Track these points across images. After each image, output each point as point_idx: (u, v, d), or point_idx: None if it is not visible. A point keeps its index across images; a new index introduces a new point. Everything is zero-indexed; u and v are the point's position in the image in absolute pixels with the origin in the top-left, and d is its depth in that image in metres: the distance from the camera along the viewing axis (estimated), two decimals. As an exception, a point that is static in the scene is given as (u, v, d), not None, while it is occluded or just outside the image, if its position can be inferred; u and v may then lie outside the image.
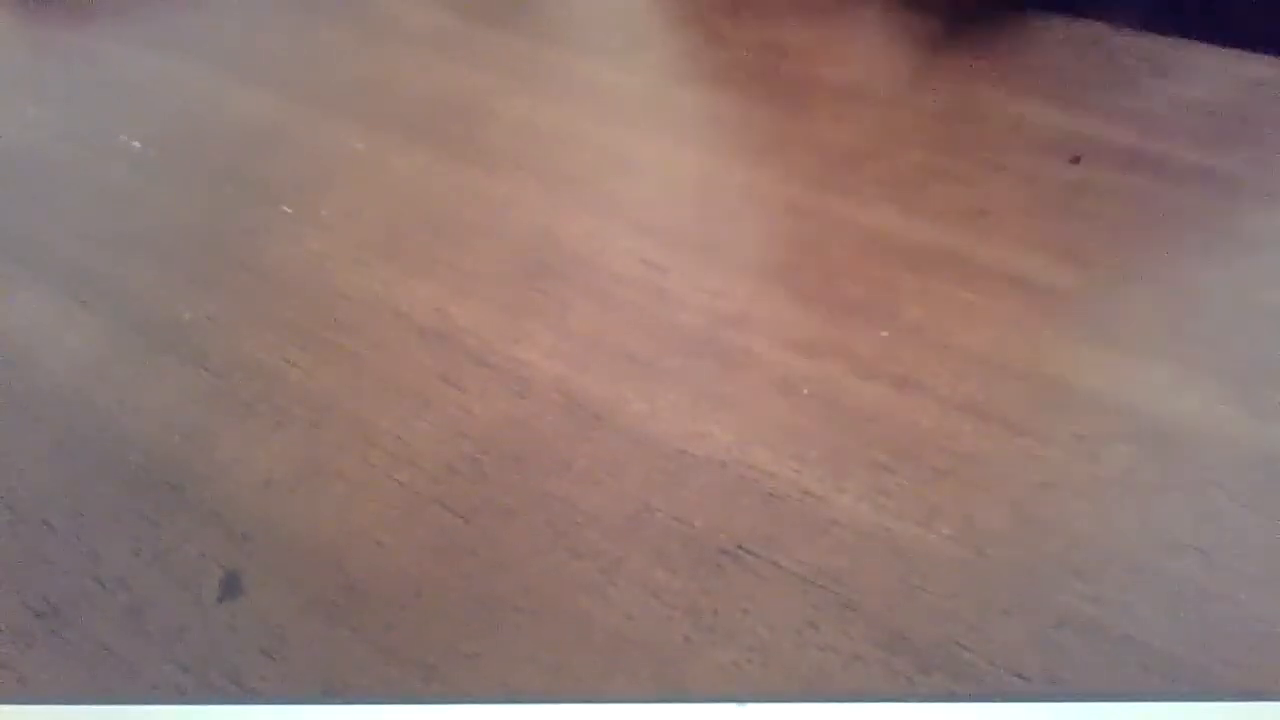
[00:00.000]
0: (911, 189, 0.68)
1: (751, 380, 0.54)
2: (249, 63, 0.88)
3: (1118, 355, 0.54)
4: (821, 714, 0.40)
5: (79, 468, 0.51)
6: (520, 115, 0.78)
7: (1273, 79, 0.75)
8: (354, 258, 0.64)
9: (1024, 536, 0.45)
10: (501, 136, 0.76)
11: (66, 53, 0.93)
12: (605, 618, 0.43)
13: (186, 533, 0.47)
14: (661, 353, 0.55)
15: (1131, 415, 0.50)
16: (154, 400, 0.54)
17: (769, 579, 0.44)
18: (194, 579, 0.45)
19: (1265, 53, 0.77)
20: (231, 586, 0.45)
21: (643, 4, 0.96)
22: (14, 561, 0.47)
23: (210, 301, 0.61)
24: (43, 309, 0.61)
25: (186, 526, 0.48)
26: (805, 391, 0.53)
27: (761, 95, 0.80)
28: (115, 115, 0.81)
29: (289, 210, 0.68)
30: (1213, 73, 0.74)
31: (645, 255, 0.62)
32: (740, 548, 0.45)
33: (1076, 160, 0.70)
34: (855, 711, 0.40)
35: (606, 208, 0.67)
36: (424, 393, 0.54)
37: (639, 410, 0.52)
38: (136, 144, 0.77)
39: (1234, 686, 0.39)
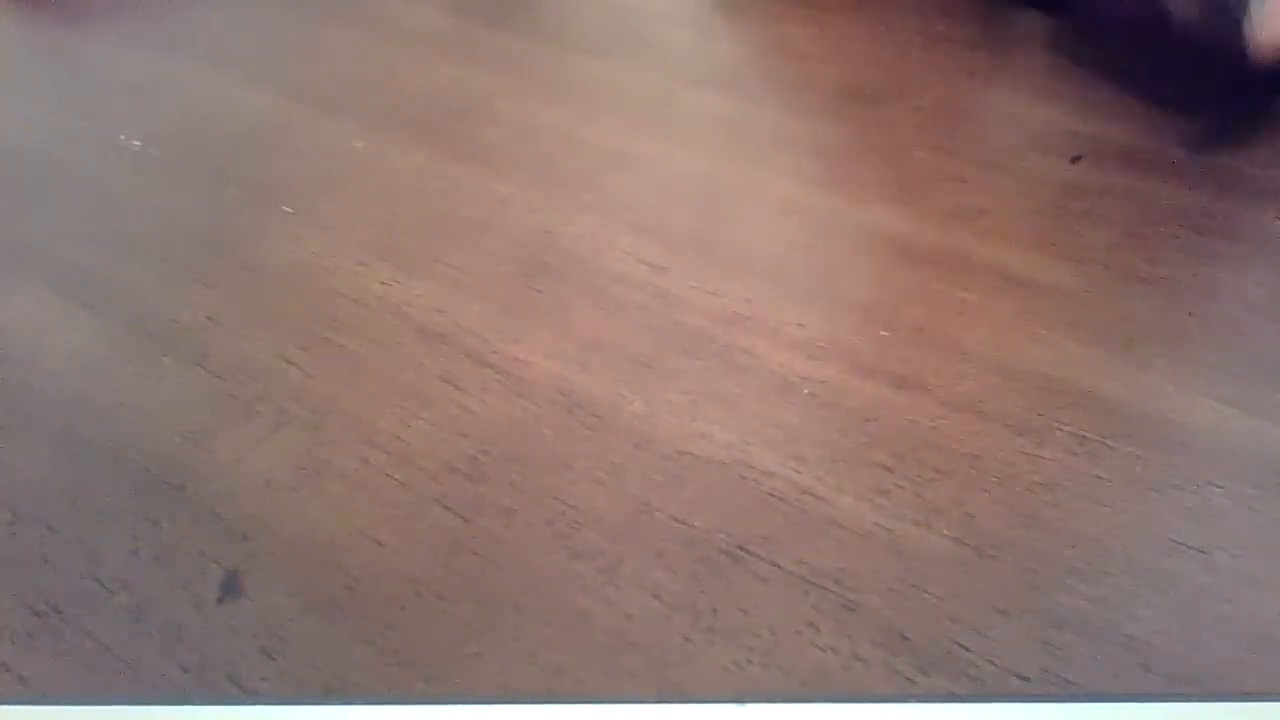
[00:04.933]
0: (911, 189, 0.68)
1: (751, 380, 0.54)
2: (249, 63, 0.88)
3: (1118, 355, 0.54)
4: (821, 714, 0.40)
5: (79, 468, 0.51)
6: (520, 115, 0.78)
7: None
8: (354, 258, 0.64)
9: (1024, 536, 0.45)
10: (501, 136, 0.76)
11: (66, 53, 0.93)
12: (605, 618, 0.43)
13: (186, 533, 0.47)
14: (661, 353, 0.55)
15: (1131, 415, 0.50)
16: (154, 400, 0.54)
17: (769, 579, 0.44)
18: (194, 579, 0.45)
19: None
20: (231, 586, 0.45)
21: (642, 4, 0.96)
22: (14, 561, 0.47)
23: (210, 301, 0.61)
24: (43, 309, 0.61)
25: (186, 526, 0.48)
26: (805, 391, 0.53)
27: (761, 95, 0.80)
28: (115, 115, 0.81)
29: (289, 210, 0.68)
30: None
31: (645, 255, 0.62)
32: (740, 548, 0.45)
33: (1076, 160, 0.70)
34: (855, 711, 0.39)
35: (606, 208, 0.67)
36: (424, 393, 0.54)
37: (639, 410, 0.52)
38: (137, 144, 0.77)
39: (1234, 686, 0.39)
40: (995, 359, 0.54)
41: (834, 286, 0.60)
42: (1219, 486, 0.47)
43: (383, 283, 0.61)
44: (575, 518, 0.47)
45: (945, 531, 0.45)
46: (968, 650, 0.41)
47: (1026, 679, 0.40)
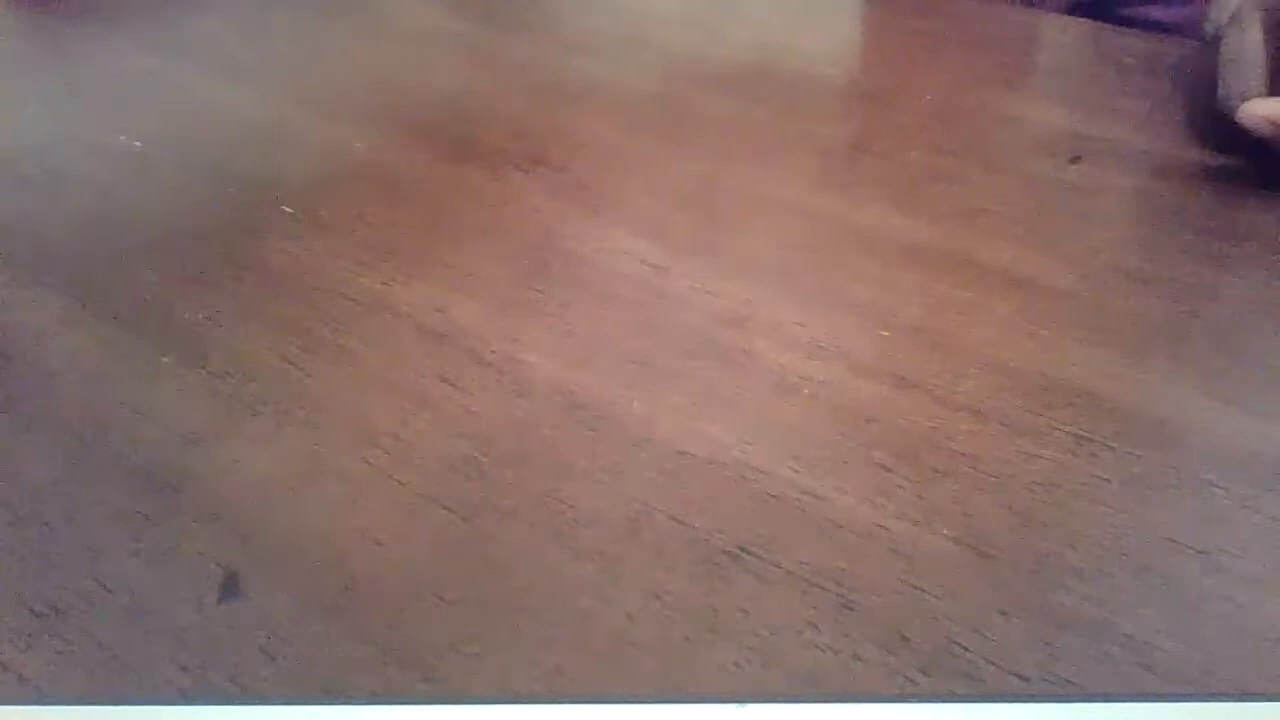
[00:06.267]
0: (911, 189, 0.68)
1: (751, 380, 0.54)
2: (249, 63, 0.88)
3: (1118, 355, 0.54)
4: (821, 714, 0.40)
5: (79, 468, 0.51)
6: (521, 115, 0.78)
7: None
8: (354, 258, 0.64)
9: (1024, 536, 0.45)
10: (502, 136, 0.76)
11: (66, 53, 0.93)
12: (605, 618, 0.43)
13: (186, 533, 0.47)
14: (661, 353, 0.55)
15: (1131, 415, 0.50)
16: (154, 400, 0.54)
17: (769, 579, 0.44)
18: (194, 579, 0.45)
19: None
20: (231, 586, 0.45)
21: (643, 4, 0.96)
22: (14, 561, 0.47)
23: (210, 301, 0.61)
24: (43, 309, 0.61)
25: (186, 526, 0.47)
26: (805, 391, 0.53)
27: (761, 95, 0.80)
28: (115, 115, 0.81)
29: (289, 210, 0.68)
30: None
31: (645, 255, 0.62)
32: (740, 548, 0.45)
33: (1076, 160, 0.70)
34: (855, 711, 0.39)
35: (606, 208, 0.67)
36: (424, 393, 0.54)
37: (639, 410, 0.52)
38: (137, 144, 0.77)
39: (1234, 686, 0.39)
40: (995, 359, 0.54)
41: (834, 286, 0.60)
42: (1219, 486, 0.47)
43: (383, 283, 0.61)
44: (575, 518, 0.47)
45: (945, 531, 0.45)
46: (968, 650, 0.41)
47: (1026, 679, 0.40)
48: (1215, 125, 0.67)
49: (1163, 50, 0.82)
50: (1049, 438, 0.49)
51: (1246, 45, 0.64)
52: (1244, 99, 0.63)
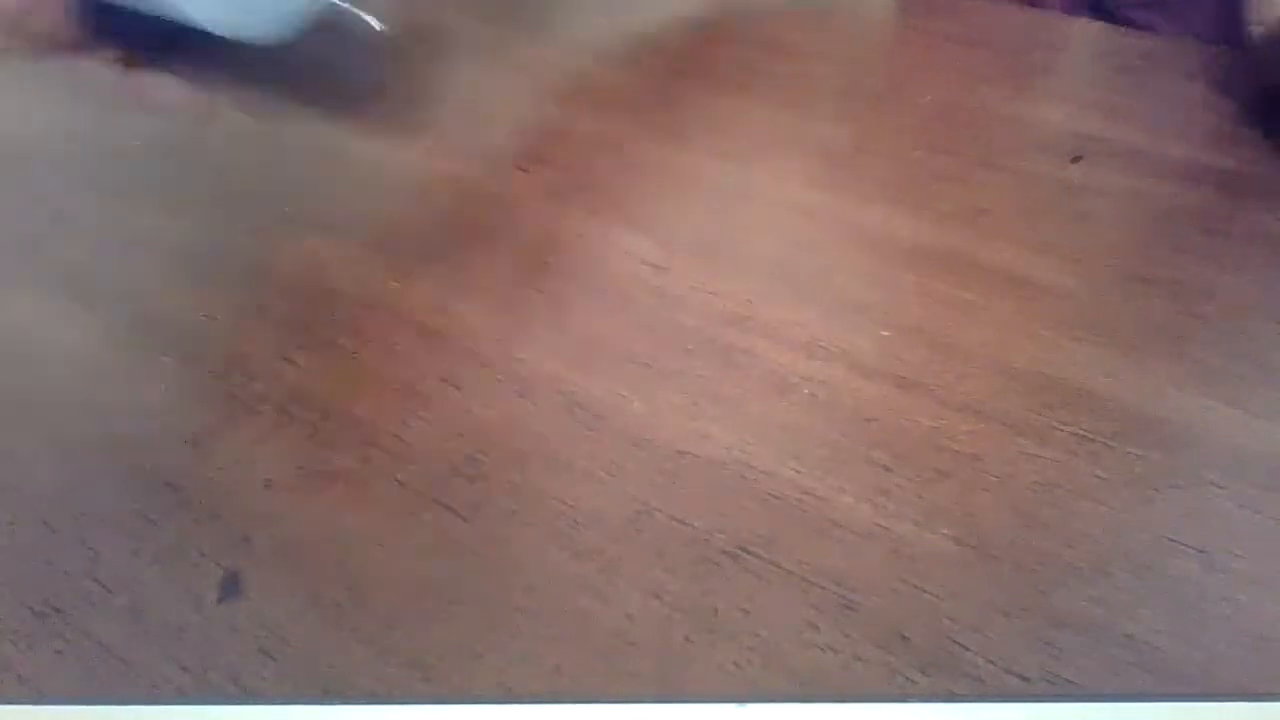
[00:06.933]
0: (911, 189, 0.68)
1: (751, 380, 0.54)
2: (249, 62, 0.88)
3: (1118, 355, 0.54)
4: (821, 714, 0.40)
5: (79, 468, 0.51)
6: (521, 116, 0.78)
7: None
8: (354, 258, 0.64)
9: (1024, 536, 0.45)
10: (502, 136, 0.76)
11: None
12: (605, 618, 0.43)
13: (186, 533, 0.47)
14: (661, 353, 0.55)
15: (1131, 415, 0.50)
16: (154, 400, 0.54)
17: (769, 579, 0.44)
18: (194, 579, 0.45)
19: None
20: (231, 586, 0.45)
21: (642, 3, 0.96)
22: (14, 562, 0.47)
23: (210, 301, 0.61)
24: (43, 309, 0.61)
25: (186, 526, 0.48)
26: (805, 391, 0.53)
27: (761, 95, 0.80)
28: (115, 113, 0.81)
29: (289, 210, 0.68)
30: (1212, 72, 0.74)
31: (645, 255, 0.62)
32: (740, 548, 0.45)
33: (1077, 160, 0.70)
34: (855, 711, 0.40)
35: (606, 208, 0.67)
36: (424, 393, 0.54)
37: (639, 410, 0.52)
38: (137, 143, 0.77)
39: (1234, 686, 0.39)
40: (995, 359, 0.54)
41: (834, 286, 0.60)
42: (1219, 487, 0.47)
43: (383, 283, 0.61)
44: (575, 518, 0.47)
45: (945, 531, 0.45)
46: (968, 650, 0.41)
47: (1026, 679, 0.40)
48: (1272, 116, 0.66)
49: (1165, 50, 0.81)
50: (1049, 438, 0.49)
51: None
52: None
